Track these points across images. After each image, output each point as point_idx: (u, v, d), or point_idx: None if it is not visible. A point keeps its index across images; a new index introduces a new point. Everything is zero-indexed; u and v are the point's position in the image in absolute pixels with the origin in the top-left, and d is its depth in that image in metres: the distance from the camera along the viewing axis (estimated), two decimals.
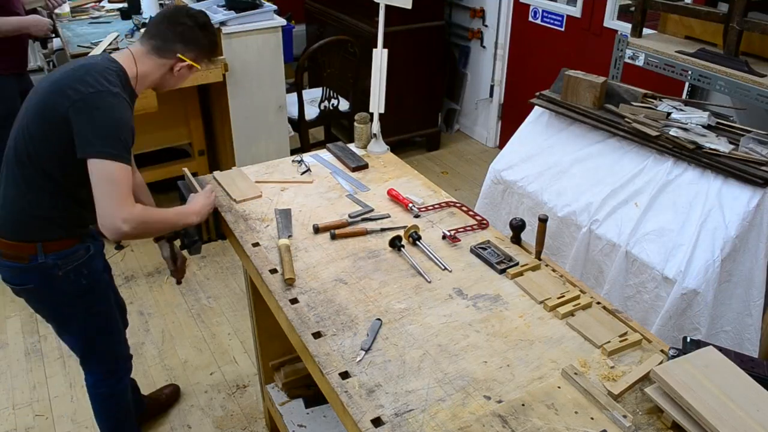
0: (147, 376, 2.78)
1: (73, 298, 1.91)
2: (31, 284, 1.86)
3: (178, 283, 2.22)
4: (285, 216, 1.90)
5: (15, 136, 1.77)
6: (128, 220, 1.61)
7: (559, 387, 1.31)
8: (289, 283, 1.61)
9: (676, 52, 2.75)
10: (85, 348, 2.07)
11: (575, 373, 1.32)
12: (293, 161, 2.22)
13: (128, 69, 1.80)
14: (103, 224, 1.63)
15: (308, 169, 2.16)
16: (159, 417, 2.59)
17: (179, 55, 1.84)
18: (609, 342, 1.41)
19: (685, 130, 2.11)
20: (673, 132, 2.10)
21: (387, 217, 1.90)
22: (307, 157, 2.26)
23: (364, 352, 1.38)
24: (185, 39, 1.84)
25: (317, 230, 1.81)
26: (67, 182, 1.75)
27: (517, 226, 1.74)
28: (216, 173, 2.12)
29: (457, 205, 1.95)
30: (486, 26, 4.65)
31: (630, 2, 3.35)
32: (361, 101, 3.76)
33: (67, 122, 1.65)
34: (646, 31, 2.97)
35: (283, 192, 2.04)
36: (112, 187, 1.61)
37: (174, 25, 1.83)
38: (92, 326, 2.01)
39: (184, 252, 2.03)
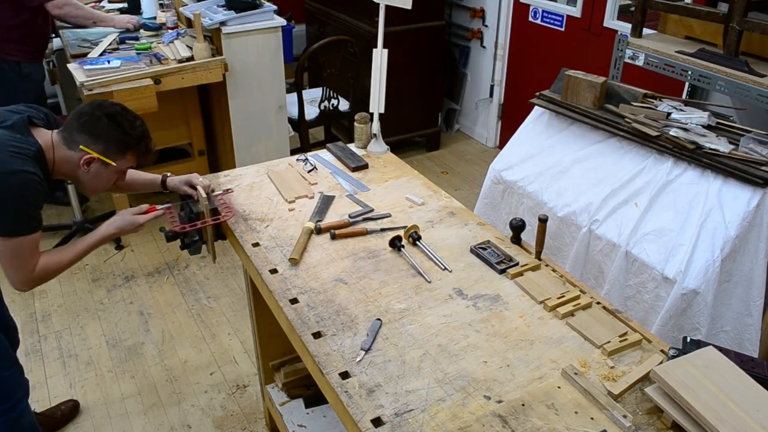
0: (147, 376, 2.78)
1: None
2: None
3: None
4: (326, 202, 1.95)
5: None
6: (26, 282, 1.77)
7: (559, 387, 1.31)
8: (292, 262, 1.69)
9: (676, 52, 2.75)
10: None
11: (575, 373, 1.32)
12: (297, 160, 2.22)
13: (47, 151, 1.76)
14: (10, 283, 1.78)
15: (314, 168, 2.16)
16: (158, 417, 2.59)
17: (82, 147, 1.75)
18: (609, 342, 1.41)
19: (685, 130, 2.11)
20: (673, 132, 2.10)
21: (387, 217, 1.90)
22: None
23: (364, 352, 1.38)
24: (89, 130, 1.76)
25: (319, 230, 1.81)
26: None
27: (517, 226, 1.74)
28: (270, 171, 2.14)
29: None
30: (486, 26, 4.65)
31: (630, 2, 3.35)
32: (361, 101, 3.76)
33: None
34: (646, 31, 2.97)
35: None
36: (11, 259, 1.73)
37: (79, 116, 1.77)
38: None
39: (185, 252, 2.03)
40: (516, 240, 1.78)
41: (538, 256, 1.70)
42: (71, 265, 1.86)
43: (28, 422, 2.14)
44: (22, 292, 1.83)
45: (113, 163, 1.80)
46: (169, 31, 3.70)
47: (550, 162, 2.39)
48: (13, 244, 1.71)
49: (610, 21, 3.79)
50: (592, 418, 1.24)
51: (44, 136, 1.78)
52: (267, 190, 2.05)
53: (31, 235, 1.73)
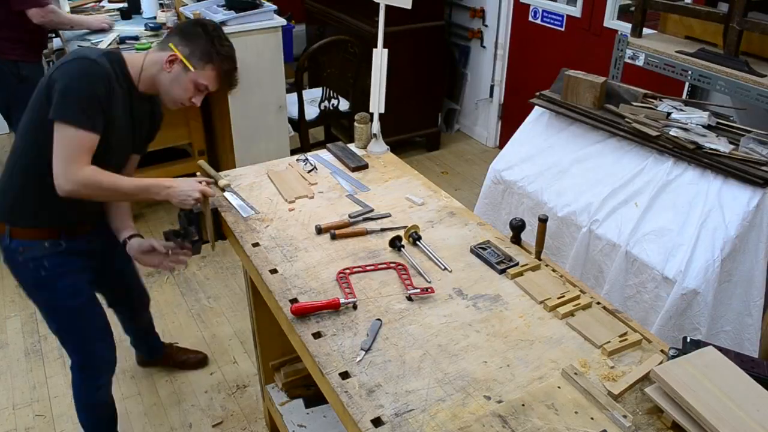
0: (147, 377, 2.78)
1: (33, 287, 1.98)
2: (3, 259, 1.97)
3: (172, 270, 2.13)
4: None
5: None
6: (71, 179, 1.71)
7: (559, 387, 1.31)
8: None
9: (676, 52, 2.75)
10: (57, 334, 2.13)
11: (575, 373, 1.32)
12: (297, 160, 2.22)
13: (132, 62, 1.84)
14: (54, 182, 1.73)
15: (314, 168, 2.16)
16: (158, 417, 2.59)
17: (171, 45, 1.82)
18: (609, 342, 1.41)
19: (685, 130, 2.11)
20: (673, 132, 2.10)
21: (387, 217, 1.90)
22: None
23: (364, 352, 1.38)
24: (182, 32, 1.85)
25: (320, 231, 1.81)
26: (40, 159, 1.76)
27: (517, 226, 1.74)
28: (270, 171, 2.14)
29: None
30: (486, 26, 4.66)
31: (630, 2, 3.35)
32: (361, 101, 3.75)
33: (49, 87, 1.74)
34: (646, 31, 2.97)
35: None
36: (64, 149, 1.70)
37: (179, 25, 1.87)
38: (55, 319, 2.07)
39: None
40: (516, 240, 1.78)
41: (538, 256, 1.70)
42: (121, 193, 1.82)
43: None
44: (63, 192, 1.73)
45: (192, 69, 1.81)
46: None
47: (550, 162, 2.39)
48: (65, 132, 1.68)
49: (610, 21, 3.79)
50: (592, 418, 1.24)
51: (135, 53, 1.95)
52: (267, 190, 2.05)
53: (82, 130, 1.70)
